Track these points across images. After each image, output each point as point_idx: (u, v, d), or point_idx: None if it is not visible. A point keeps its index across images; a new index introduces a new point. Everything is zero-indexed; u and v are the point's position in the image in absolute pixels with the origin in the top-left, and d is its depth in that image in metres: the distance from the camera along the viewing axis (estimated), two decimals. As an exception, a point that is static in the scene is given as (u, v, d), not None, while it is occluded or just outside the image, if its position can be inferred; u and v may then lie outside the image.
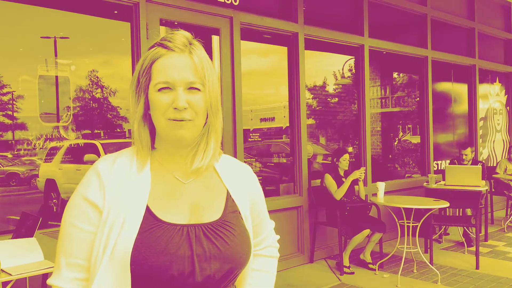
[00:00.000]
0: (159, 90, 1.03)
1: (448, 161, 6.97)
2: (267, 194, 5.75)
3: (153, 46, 1.07)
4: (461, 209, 6.05)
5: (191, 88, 1.03)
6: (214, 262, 1.03)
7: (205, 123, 1.09)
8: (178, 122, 1.02)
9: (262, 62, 5.93)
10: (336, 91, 6.82)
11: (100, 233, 1.01)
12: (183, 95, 1.02)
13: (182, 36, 1.06)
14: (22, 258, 2.67)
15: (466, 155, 6.23)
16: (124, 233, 0.99)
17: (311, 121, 6.15)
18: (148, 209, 1.03)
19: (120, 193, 1.03)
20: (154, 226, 1.01)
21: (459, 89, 8.24)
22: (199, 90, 1.04)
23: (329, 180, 5.13)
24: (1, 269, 2.56)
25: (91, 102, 4.25)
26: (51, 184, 4.24)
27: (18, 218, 3.14)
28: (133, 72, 4.19)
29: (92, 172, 1.07)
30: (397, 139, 8.00)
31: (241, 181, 1.20)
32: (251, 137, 5.46)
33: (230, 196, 1.14)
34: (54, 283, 1.04)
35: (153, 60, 1.05)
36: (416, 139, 7.55)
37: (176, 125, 1.03)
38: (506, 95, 9.20)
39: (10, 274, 2.51)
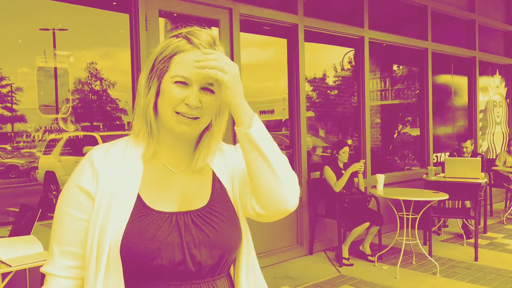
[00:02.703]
0: (175, 82, 1.04)
1: (447, 154, 6.97)
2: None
3: (177, 36, 1.07)
4: (460, 201, 6.06)
5: (205, 88, 1.05)
6: (204, 248, 1.04)
7: (214, 122, 1.11)
8: (185, 118, 1.03)
9: (262, 54, 5.90)
10: (336, 83, 6.80)
11: (93, 222, 1.02)
12: (197, 94, 1.03)
13: (208, 35, 1.07)
14: (22, 250, 2.67)
15: (466, 147, 6.23)
16: (116, 221, 1.00)
17: (310, 113, 6.14)
18: (139, 198, 1.05)
19: (113, 181, 1.04)
20: (144, 214, 1.03)
21: (459, 82, 8.22)
22: (213, 92, 1.06)
23: (329, 172, 5.13)
24: (1, 261, 2.57)
25: (90, 94, 4.23)
26: (50, 176, 4.24)
27: (18, 210, 3.14)
28: (132, 64, 4.11)
29: (86, 161, 1.08)
30: (396, 131, 7.99)
31: (224, 158, 1.21)
32: (251, 129, 5.45)
33: (216, 176, 1.15)
34: (48, 271, 1.05)
35: (176, 51, 1.05)
36: (415, 132, 7.54)
37: (181, 120, 1.04)
38: (506, 88, 9.18)
39: (10, 266, 2.51)
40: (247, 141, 1.02)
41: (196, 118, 1.04)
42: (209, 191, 1.13)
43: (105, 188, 1.03)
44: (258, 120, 1.04)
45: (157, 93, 1.07)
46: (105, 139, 4.23)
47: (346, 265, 4.87)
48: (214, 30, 4.62)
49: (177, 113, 1.03)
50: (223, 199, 1.13)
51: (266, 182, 1.03)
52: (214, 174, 1.16)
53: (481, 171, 5.74)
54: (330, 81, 6.70)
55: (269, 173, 1.03)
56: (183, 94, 1.03)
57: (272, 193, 1.04)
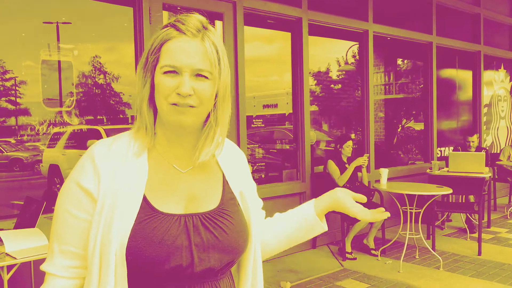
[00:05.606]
0: (165, 73, 0.99)
1: (451, 148, 6.95)
2: (270, 180, 5.71)
3: (166, 26, 1.03)
4: (464, 196, 6.05)
5: (198, 75, 0.99)
6: (213, 252, 1.01)
7: (212, 112, 1.05)
8: (180, 107, 0.98)
9: (266, 48, 5.88)
10: (340, 77, 6.78)
11: (96, 223, 0.97)
12: (188, 81, 0.98)
13: (196, 19, 1.01)
14: (27, 242, 2.68)
15: (472, 141, 6.22)
16: (120, 223, 0.95)
17: (314, 107, 6.13)
18: (145, 199, 1.00)
19: (116, 180, 0.99)
20: (151, 217, 0.98)
21: (464, 76, 8.19)
22: (206, 78, 1.00)
23: (332, 167, 5.13)
24: (6, 253, 2.58)
25: (94, 87, 4.24)
26: (54, 169, 4.25)
27: (22, 203, 3.15)
28: (135, 58, 4.11)
29: (87, 157, 1.03)
30: (400, 125, 7.97)
31: (234, 162, 1.18)
32: (254, 123, 5.45)
33: (226, 180, 1.12)
34: (47, 270, 1.02)
35: (163, 41, 1.00)
36: (419, 126, 7.52)
37: (177, 110, 0.99)
38: (511, 82, 9.13)
39: (15, 258, 2.53)
40: (320, 232, 1.28)
41: (192, 107, 0.99)
42: (219, 194, 1.09)
43: (107, 187, 0.98)
44: None
45: (152, 87, 1.02)
46: (109, 133, 4.23)
47: (349, 259, 4.88)
48: (218, 24, 4.61)
49: (171, 104, 0.98)
50: (232, 203, 1.09)
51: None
52: (224, 178, 1.12)
53: (485, 166, 5.72)
54: (334, 75, 6.68)
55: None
56: (174, 83, 0.98)
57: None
